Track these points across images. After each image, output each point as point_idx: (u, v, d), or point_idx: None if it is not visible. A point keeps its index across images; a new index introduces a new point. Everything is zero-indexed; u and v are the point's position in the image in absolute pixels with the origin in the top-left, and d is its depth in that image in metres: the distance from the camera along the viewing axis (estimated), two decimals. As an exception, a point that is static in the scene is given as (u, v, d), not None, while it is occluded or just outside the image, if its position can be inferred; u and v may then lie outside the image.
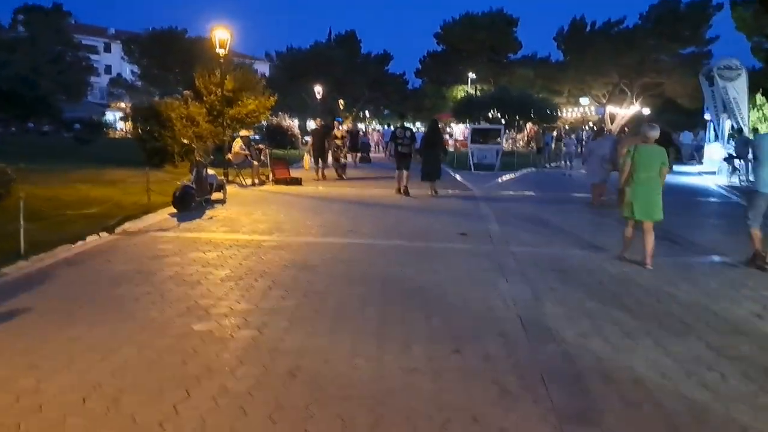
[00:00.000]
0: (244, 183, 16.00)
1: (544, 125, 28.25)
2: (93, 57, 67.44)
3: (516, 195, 15.39)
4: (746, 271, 7.29)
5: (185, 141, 13.03)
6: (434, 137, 15.10)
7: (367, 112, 78.41)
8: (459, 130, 43.55)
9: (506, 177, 20.31)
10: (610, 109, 56.85)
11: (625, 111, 58.38)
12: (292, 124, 35.51)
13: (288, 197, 13.62)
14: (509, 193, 15.63)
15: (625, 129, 56.07)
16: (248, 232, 9.14)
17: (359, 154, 25.22)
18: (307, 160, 19.70)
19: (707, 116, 25.12)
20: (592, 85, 57.05)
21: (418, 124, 62.20)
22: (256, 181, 16.04)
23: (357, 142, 25.10)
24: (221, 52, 15.71)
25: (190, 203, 11.02)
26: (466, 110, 34.66)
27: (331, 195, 14.28)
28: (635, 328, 5.06)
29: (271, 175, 16.58)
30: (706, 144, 26.84)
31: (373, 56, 67.00)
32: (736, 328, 5.15)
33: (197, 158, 11.87)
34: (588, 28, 57.11)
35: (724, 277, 6.97)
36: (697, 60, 57.89)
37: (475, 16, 57.95)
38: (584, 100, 39.32)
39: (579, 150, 32.72)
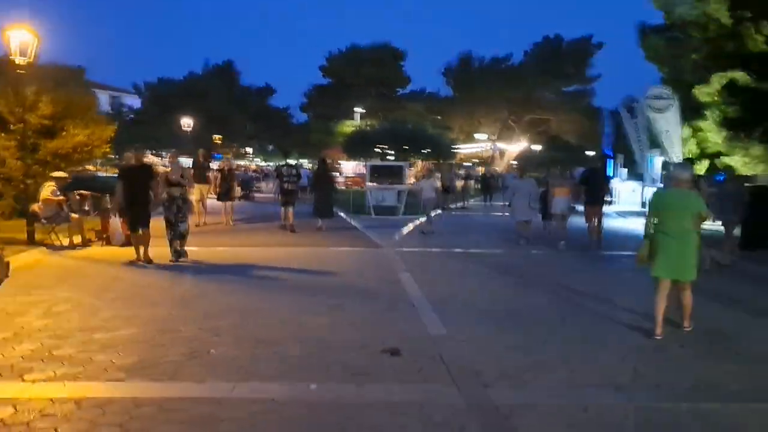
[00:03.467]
0: (60, 243, 11.23)
1: (450, 162, 25.43)
2: None
3: (440, 251, 11.74)
4: None
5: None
6: (324, 174, 15.07)
7: (250, 149, 73.57)
8: (350, 167, 40.14)
9: (414, 223, 16.75)
10: (500, 145, 56.22)
11: (513, 148, 58.05)
12: (155, 161, 30.29)
13: (113, 270, 9.06)
14: (430, 249, 11.94)
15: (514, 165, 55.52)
16: (-20, 370, 4.66)
17: (231, 203, 15.88)
18: (115, 225, 11.39)
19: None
20: (481, 121, 56.15)
21: (303, 160, 58.30)
22: (77, 242, 11.29)
23: (229, 187, 15.81)
24: (20, 60, 10.97)
25: None
26: (358, 146, 31.26)
27: (181, 265, 9.88)
28: None
29: (102, 233, 11.84)
30: (617, 181, 24.90)
31: (254, 89, 62.50)
32: None
33: None
34: (476, 63, 56.33)
35: None
36: (580, 97, 59.16)
37: (362, 49, 55.43)
38: (481, 136, 37.22)
39: (477, 186, 30.34)
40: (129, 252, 9.99)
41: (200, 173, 15.08)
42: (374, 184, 19.59)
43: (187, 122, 31.29)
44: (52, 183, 11.23)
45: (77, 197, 11.64)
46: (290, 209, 14.26)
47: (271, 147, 72.86)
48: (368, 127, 48.64)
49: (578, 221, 13.20)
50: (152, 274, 8.80)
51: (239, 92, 60.23)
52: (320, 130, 55.60)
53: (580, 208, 12.97)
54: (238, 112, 55.72)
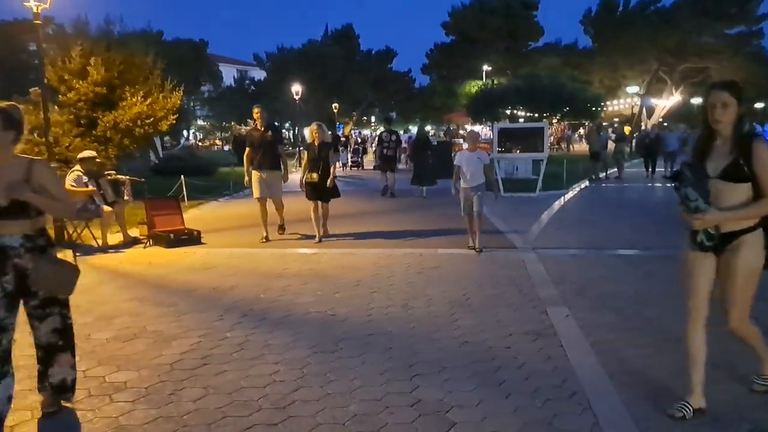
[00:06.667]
0: (98, 244, 8.79)
1: (599, 122, 20.83)
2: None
3: (603, 254, 7.85)
4: None
5: None
6: (422, 145, 15.03)
7: (373, 117, 71.18)
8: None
9: (558, 203, 12.82)
10: (652, 100, 49.35)
11: (664, 102, 50.70)
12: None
13: (126, 293, 6.23)
14: (587, 251, 8.08)
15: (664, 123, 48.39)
16: None
17: (326, 206, 9.44)
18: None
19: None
20: (626, 74, 49.29)
21: (428, 127, 54.78)
22: (117, 241, 8.79)
23: (322, 179, 8.77)
24: (34, 5, 8.42)
25: None
26: (484, 107, 27.20)
27: (238, 280, 6.91)
28: None
29: (146, 229, 9.23)
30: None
31: (374, 53, 59.49)
32: None
33: None
34: (620, 8, 49.27)
35: None
36: (747, 41, 50.29)
37: (489, 0, 50.47)
38: (632, 89, 31.53)
39: (629, 149, 25.38)
40: (183, 254, 7.16)
41: (264, 153, 8.88)
42: (506, 153, 15.61)
43: (296, 90, 28.82)
44: (78, 167, 8.70)
45: (112, 183, 8.98)
46: (391, 174, 14.65)
47: (393, 113, 70.03)
48: (495, 86, 44.11)
49: None
50: (205, 299, 5.85)
51: (359, 57, 57.61)
52: (443, 92, 51.79)
53: None
54: (358, 78, 53.14)
